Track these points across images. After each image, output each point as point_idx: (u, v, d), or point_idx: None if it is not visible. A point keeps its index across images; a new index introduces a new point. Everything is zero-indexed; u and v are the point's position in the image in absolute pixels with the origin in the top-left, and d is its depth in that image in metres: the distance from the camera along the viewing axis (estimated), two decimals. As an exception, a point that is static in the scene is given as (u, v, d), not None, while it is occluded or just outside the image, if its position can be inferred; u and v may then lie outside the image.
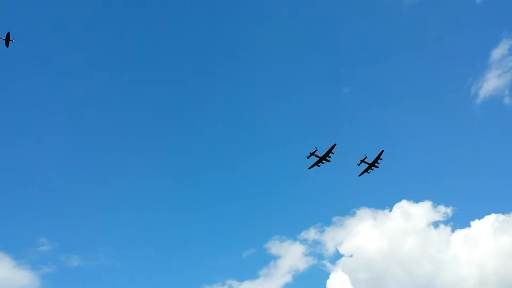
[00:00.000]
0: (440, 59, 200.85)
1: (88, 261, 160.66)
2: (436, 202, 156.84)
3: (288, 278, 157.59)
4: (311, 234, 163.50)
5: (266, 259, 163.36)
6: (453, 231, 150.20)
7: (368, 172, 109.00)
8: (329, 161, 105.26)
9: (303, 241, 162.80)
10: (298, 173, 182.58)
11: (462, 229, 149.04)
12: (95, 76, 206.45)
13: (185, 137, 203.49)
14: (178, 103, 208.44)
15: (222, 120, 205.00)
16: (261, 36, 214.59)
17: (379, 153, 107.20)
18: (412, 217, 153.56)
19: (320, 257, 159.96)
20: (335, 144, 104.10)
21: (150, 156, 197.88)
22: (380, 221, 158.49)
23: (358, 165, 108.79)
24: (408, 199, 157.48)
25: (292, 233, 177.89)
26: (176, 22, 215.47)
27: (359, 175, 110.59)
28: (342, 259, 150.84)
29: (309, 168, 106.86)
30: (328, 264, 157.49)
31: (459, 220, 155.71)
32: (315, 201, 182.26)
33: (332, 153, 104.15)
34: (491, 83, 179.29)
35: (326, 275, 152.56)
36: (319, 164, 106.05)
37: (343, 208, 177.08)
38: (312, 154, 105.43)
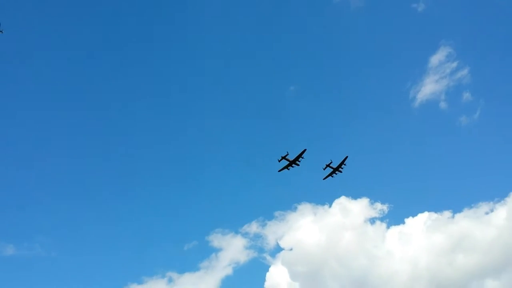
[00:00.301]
0: (382, 62, 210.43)
1: (23, 251, 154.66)
2: (373, 199, 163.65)
3: (228, 271, 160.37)
4: (253, 227, 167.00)
5: (208, 252, 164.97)
6: (388, 227, 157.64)
7: (332, 176, 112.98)
8: (298, 165, 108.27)
9: (245, 234, 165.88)
10: (243, 168, 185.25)
11: (396, 226, 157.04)
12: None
13: (127, 133, 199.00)
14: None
15: (165, 118, 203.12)
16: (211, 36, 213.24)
17: (343, 159, 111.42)
18: (350, 213, 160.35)
19: (261, 250, 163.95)
20: (305, 150, 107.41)
21: (93, 146, 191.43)
22: (320, 216, 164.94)
23: (324, 169, 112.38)
24: (347, 195, 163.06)
25: (234, 226, 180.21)
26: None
27: (324, 179, 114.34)
28: (282, 252, 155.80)
29: (279, 171, 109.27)
30: (268, 257, 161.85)
31: (394, 217, 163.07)
32: (258, 195, 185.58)
33: (302, 158, 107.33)
34: (428, 88, 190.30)
35: (266, 268, 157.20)
36: (288, 168, 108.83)
37: (285, 203, 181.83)
38: (283, 158, 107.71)
